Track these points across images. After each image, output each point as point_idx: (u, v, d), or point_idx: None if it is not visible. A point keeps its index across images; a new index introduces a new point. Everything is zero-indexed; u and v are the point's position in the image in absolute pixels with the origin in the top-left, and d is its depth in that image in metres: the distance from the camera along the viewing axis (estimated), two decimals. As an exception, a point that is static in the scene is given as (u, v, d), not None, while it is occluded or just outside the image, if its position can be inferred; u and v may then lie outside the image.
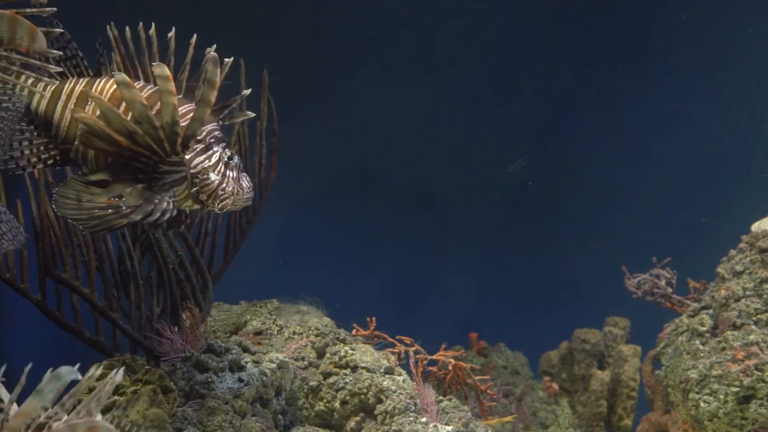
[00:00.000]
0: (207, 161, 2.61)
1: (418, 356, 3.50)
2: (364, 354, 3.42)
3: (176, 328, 3.11)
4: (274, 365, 3.12)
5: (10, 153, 2.73)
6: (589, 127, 5.55)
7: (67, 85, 2.77)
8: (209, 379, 2.92)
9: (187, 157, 2.59)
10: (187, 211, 2.81)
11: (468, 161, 5.46)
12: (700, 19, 5.34)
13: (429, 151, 5.37)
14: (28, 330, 3.89)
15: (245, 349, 3.18)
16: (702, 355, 3.70)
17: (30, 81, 2.77)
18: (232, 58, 2.60)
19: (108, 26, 2.69)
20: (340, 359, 3.35)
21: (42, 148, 2.75)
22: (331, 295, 3.90)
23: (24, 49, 2.39)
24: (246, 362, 3.06)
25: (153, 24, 2.66)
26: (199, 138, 2.60)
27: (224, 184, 2.61)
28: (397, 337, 3.56)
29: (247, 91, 2.73)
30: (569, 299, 5.66)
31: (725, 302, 3.76)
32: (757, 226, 4.03)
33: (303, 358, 3.36)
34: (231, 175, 2.63)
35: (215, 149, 2.63)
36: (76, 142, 2.65)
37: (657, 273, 4.46)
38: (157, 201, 2.55)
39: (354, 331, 3.62)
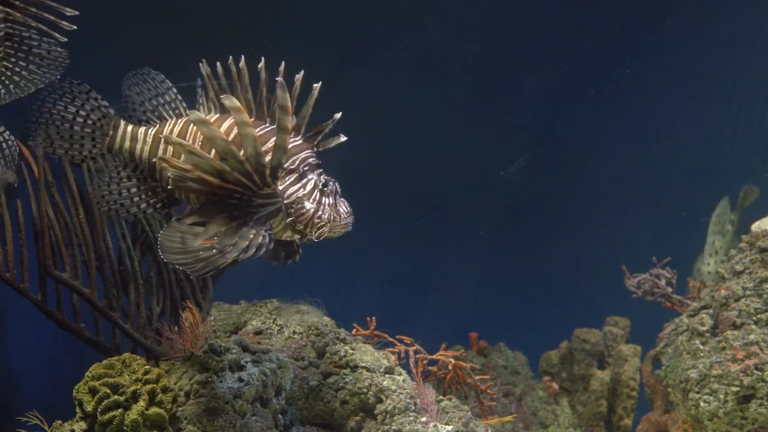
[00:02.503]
0: (302, 190, 2.58)
1: (418, 356, 3.50)
2: (364, 354, 3.42)
3: (176, 328, 3.10)
4: (274, 365, 3.12)
5: (120, 201, 2.75)
6: (588, 127, 5.55)
7: (166, 128, 2.76)
8: (209, 379, 2.92)
9: (281, 187, 2.57)
10: (298, 241, 2.77)
11: (468, 161, 5.47)
12: (700, 19, 5.34)
13: (429, 151, 5.37)
14: (28, 330, 3.89)
15: (245, 349, 3.17)
16: (702, 354, 3.70)
17: (130, 128, 2.78)
18: (320, 83, 2.57)
19: (200, 63, 2.69)
20: (340, 359, 3.35)
21: (150, 192, 2.77)
22: (331, 295, 3.90)
23: None
24: (246, 362, 3.06)
25: (242, 57, 2.65)
26: (292, 167, 2.58)
27: (320, 212, 2.58)
28: (397, 336, 3.56)
29: (338, 115, 2.68)
30: (569, 299, 5.66)
31: (725, 302, 3.76)
32: (757, 226, 4.03)
33: (303, 358, 3.36)
34: (327, 201, 2.60)
35: (310, 177, 2.60)
36: (166, 192, 2.65)
37: (657, 273, 4.46)
38: (252, 236, 2.52)
39: (354, 331, 3.62)
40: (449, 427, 3.15)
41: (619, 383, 4.81)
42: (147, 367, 2.79)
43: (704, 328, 3.77)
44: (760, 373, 3.45)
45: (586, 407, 4.84)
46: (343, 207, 2.64)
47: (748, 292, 3.71)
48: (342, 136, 2.71)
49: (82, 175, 3.34)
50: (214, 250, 2.47)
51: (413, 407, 3.20)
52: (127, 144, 2.80)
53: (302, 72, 2.55)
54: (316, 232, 2.59)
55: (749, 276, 3.77)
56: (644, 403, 4.44)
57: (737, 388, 3.48)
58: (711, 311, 3.83)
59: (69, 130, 2.80)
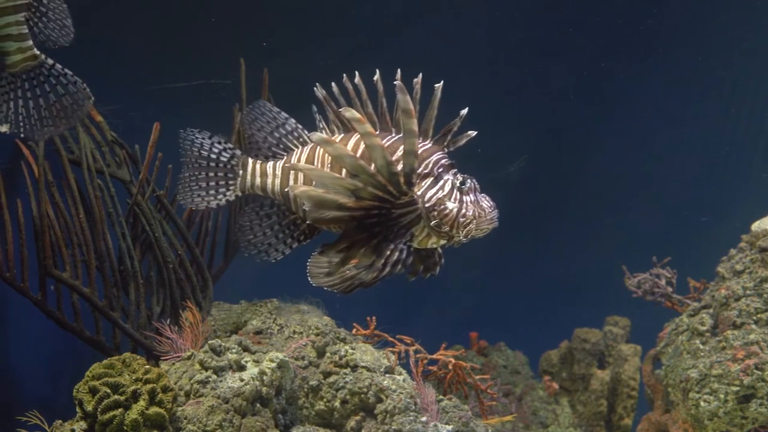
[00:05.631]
0: (440, 192, 2.55)
1: (418, 356, 3.50)
2: (364, 353, 3.42)
3: (176, 328, 3.11)
4: (274, 364, 3.12)
5: (267, 241, 2.75)
6: (589, 127, 5.54)
7: (294, 158, 2.75)
8: (209, 378, 2.92)
9: (418, 193, 2.54)
10: (440, 251, 2.74)
11: (468, 161, 5.46)
12: (700, 19, 5.34)
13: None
14: (28, 330, 3.88)
15: (245, 349, 3.18)
16: (702, 354, 3.70)
17: (258, 164, 2.79)
18: (442, 82, 2.55)
19: (315, 87, 2.67)
20: (340, 359, 3.35)
21: (292, 226, 2.77)
22: (331, 294, 3.89)
23: None
24: (246, 361, 3.06)
25: (357, 73, 2.63)
26: (426, 171, 2.56)
27: (463, 210, 2.54)
28: (397, 336, 3.56)
29: (464, 111, 2.66)
30: (569, 299, 5.65)
31: (725, 301, 3.76)
32: (757, 226, 4.03)
33: (303, 358, 3.36)
34: (468, 199, 2.57)
35: (446, 178, 2.57)
36: (306, 222, 2.61)
37: (657, 272, 4.46)
38: (388, 253, 2.51)
39: (354, 331, 3.62)
40: (449, 427, 3.16)
41: (620, 383, 4.81)
42: (147, 366, 2.79)
43: (704, 328, 3.77)
44: (760, 372, 3.45)
45: (586, 407, 4.84)
46: (486, 202, 2.60)
47: (748, 292, 3.71)
48: (471, 131, 2.67)
49: (82, 175, 3.34)
50: (361, 268, 2.50)
51: (413, 407, 3.20)
52: (258, 181, 2.79)
53: (420, 75, 2.53)
54: (463, 231, 2.55)
55: (749, 276, 3.77)
56: (644, 403, 4.43)
57: (737, 388, 3.48)
58: (711, 311, 3.83)
59: (205, 178, 2.82)
